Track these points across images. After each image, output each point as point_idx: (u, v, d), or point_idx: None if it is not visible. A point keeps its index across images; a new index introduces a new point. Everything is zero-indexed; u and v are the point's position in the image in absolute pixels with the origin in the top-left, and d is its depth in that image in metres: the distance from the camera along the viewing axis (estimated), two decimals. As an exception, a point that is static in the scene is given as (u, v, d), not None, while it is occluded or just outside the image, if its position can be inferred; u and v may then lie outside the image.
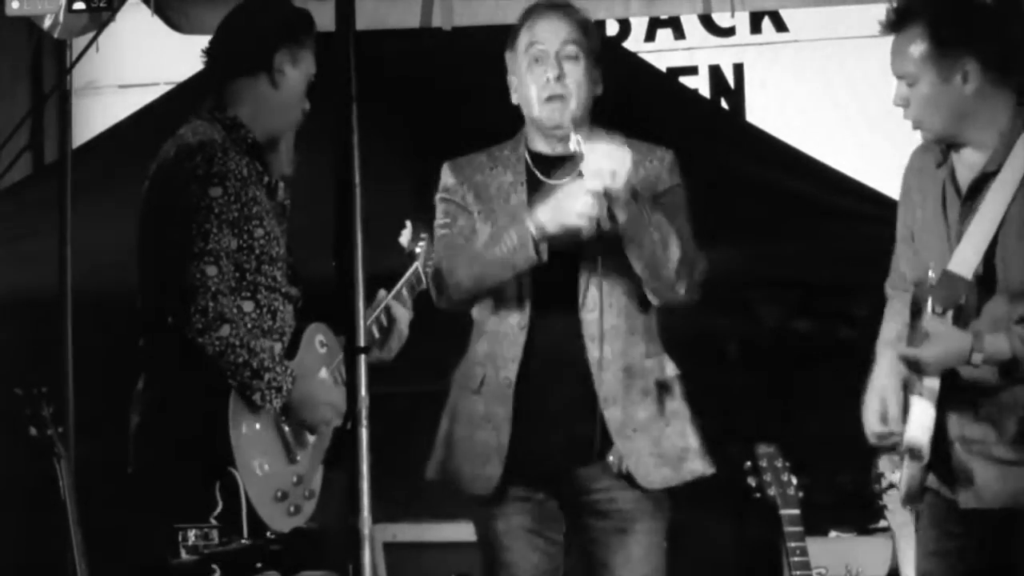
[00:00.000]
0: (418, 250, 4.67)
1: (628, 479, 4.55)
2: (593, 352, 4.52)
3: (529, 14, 4.66)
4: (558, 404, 4.54)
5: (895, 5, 4.25)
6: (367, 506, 3.26)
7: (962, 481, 4.17)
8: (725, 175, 6.44)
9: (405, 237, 4.68)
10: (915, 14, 4.19)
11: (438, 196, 4.71)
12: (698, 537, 5.93)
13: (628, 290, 4.57)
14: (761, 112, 7.67)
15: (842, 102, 7.54)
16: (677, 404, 4.62)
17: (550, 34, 4.58)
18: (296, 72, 4.46)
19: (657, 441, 4.56)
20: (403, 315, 4.55)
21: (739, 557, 6.45)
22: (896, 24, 4.22)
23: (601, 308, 4.52)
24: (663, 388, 4.60)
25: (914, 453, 4.16)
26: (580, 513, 4.61)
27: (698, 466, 4.60)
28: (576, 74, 4.56)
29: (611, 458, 4.54)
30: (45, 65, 7.77)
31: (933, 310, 4.12)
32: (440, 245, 4.63)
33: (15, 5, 5.37)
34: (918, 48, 4.17)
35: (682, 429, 4.60)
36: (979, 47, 4.16)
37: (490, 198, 4.63)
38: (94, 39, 5.52)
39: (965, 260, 4.13)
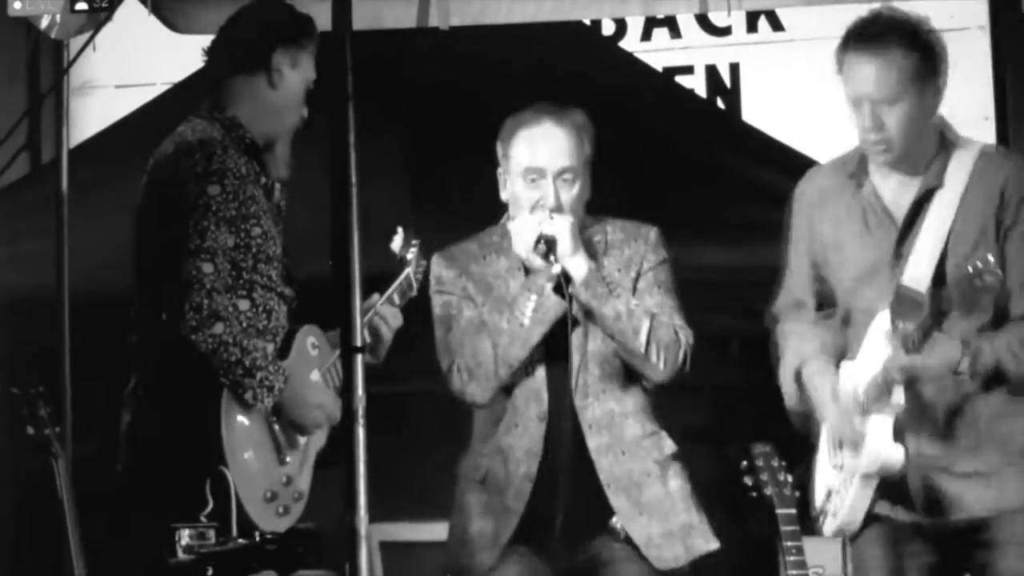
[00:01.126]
0: (409, 256, 4.68)
1: (632, 545, 4.57)
2: (591, 439, 4.55)
3: (528, 121, 4.62)
4: (566, 494, 4.54)
5: (873, 28, 4.22)
6: (364, 505, 3.26)
7: (923, 499, 4.18)
8: (722, 175, 6.44)
9: (397, 243, 4.68)
10: (896, 35, 4.18)
11: (434, 289, 4.69)
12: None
13: (616, 373, 4.60)
14: (757, 111, 7.65)
15: (838, 101, 7.51)
16: (679, 481, 4.65)
17: (548, 156, 4.57)
18: (294, 74, 4.46)
19: (666, 520, 4.60)
20: (392, 319, 4.55)
21: (736, 556, 6.44)
22: (875, 46, 4.18)
23: (593, 394, 4.57)
24: (664, 467, 4.63)
25: (883, 469, 4.15)
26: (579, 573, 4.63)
27: (703, 544, 4.64)
28: (569, 196, 4.58)
29: (615, 524, 4.59)
30: (42, 65, 7.74)
31: (894, 326, 4.11)
32: (458, 336, 4.60)
33: (17, 5, 5.35)
34: (904, 69, 4.16)
35: (685, 506, 4.64)
36: (944, 66, 4.17)
37: (490, 288, 4.64)
38: (91, 39, 5.50)
39: (917, 277, 4.13)
